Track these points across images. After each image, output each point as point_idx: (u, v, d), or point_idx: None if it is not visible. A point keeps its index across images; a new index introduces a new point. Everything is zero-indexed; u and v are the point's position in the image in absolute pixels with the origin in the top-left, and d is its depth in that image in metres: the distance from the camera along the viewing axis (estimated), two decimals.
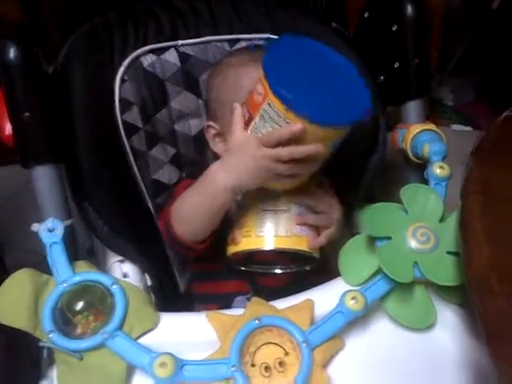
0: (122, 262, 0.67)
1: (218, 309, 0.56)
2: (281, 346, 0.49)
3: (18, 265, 1.00)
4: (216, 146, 0.71)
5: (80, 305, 0.52)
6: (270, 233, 0.59)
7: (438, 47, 1.73)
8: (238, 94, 0.65)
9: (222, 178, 0.57)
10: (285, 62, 0.53)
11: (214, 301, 0.64)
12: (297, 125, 0.50)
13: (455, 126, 1.78)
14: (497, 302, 0.31)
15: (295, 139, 0.52)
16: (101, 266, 0.73)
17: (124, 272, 0.66)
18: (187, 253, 0.65)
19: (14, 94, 0.59)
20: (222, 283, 0.67)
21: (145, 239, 0.70)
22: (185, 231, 0.61)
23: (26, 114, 0.59)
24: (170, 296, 0.69)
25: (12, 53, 0.58)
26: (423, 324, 0.51)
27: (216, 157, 0.69)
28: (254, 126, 0.55)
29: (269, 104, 0.52)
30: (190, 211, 0.61)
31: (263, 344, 0.49)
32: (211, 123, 0.71)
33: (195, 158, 0.81)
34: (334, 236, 0.62)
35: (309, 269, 0.62)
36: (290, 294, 0.55)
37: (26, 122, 0.59)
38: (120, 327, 0.51)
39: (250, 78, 0.64)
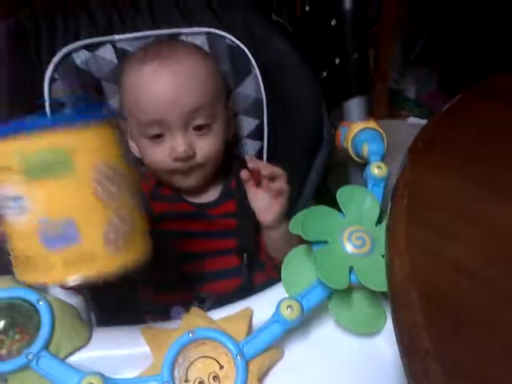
0: None
1: (165, 319, 0.54)
2: (216, 360, 0.47)
3: None
4: (132, 147, 0.70)
5: (2, 324, 0.49)
6: None
7: (401, 37, 1.74)
8: (136, 108, 0.63)
9: None
10: None
11: (160, 311, 0.63)
12: None
13: (412, 120, 1.79)
14: (414, 315, 0.30)
15: None
16: None
17: None
18: None
19: None
20: (166, 293, 0.65)
21: None
22: None
23: None
24: (114, 306, 0.67)
25: None
26: (367, 329, 0.50)
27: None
28: None
29: None
30: None
31: (198, 358, 0.47)
32: (122, 124, 0.69)
33: (137, 160, 0.78)
34: None
35: None
36: (233, 302, 0.54)
37: None
38: (46, 347, 0.48)
39: (145, 91, 0.62)
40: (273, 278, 0.65)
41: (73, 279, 0.37)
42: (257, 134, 0.80)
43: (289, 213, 0.72)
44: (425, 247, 0.36)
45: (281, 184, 0.63)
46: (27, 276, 0.38)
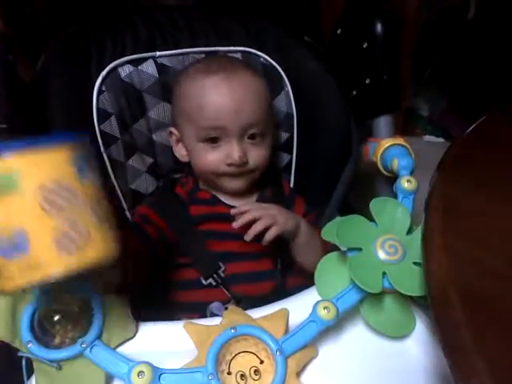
0: None
1: (199, 318, 0.57)
2: (256, 355, 0.50)
3: None
4: (178, 151, 0.75)
5: (58, 314, 0.53)
6: None
7: (413, 57, 1.78)
8: (198, 113, 0.68)
9: None
10: None
11: (194, 310, 0.66)
12: None
13: (428, 137, 1.83)
14: (455, 315, 0.34)
15: None
16: None
17: None
18: None
19: None
20: (201, 292, 0.68)
21: (123, 247, 0.71)
22: None
23: (3, 126, 0.59)
24: (148, 304, 0.70)
25: None
26: (398, 332, 0.53)
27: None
28: None
29: None
30: None
31: (239, 353, 0.51)
32: (172, 129, 0.75)
33: (172, 167, 0.83)
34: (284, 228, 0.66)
35: None
36: (267, 303, 0.57)
37: (1, 134, 0.59)
38: (99, 337, 0.52)
39: (209, 99, 0.67)
40: (301, 280, 0.69)
41: (26, 285, 0.41)
42: (286, 147, 0.84)
43: (317, 222, 0.77)
44: (460, 253, 0.40)
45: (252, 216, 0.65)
46: None
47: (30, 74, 0.70)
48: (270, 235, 0.65)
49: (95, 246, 0.43)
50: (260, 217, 0.65)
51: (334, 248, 0.59)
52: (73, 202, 0.42)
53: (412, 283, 0.50)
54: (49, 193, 0.40)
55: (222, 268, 0.69)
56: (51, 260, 0.40)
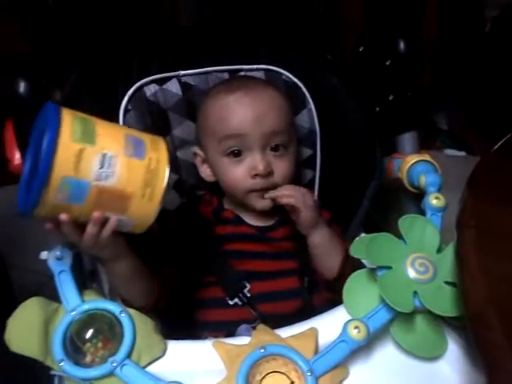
0: None
1: (224, 336, 0.57)
2: (286, 375, 0.50)
3: (23, 284, 1.00)
4: (203, 171, 0.75)
5: (89, 333, 0.53)
6: None
7: (431, 71, 1.78)
8: (221, 124, 0.68)
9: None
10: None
11: (220, 328, 0.66)
12: None
13: (449, 151, 1.81)
14: (495, 337, 0.33)
15: None
16: (103, 289, 0.75)
17: None
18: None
19: (24, 127, 0.61)
20: (227, 311, 0.68)
21: (149, 265, 0.72)
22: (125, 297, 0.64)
23: None
24: (174, 323, 0.70)
25: (22, 87, 0.60)
26: (430, 353, 0.53)
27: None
28: None
29: None
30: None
31: (269, 373, 0.50)
32: (197, 150, 0.75)
33: (195, 184, 0.84)
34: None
35: None
36: (294, 323, 0.57)
37: None
38: (128, 356, 0.52)
39: (232, 111, 0.68)
40: (327, 297, 0.68)
41: None
42: (309, 164, 0.84)
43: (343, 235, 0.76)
44: (496, 272, 0.39)
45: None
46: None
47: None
48: (286, 200, 0.67)
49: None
50: (292, 195, 0.67)
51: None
52: None
53: (444, 303, 0.50)
54: None
55: (248, 287, 0.69)
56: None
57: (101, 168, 0.50)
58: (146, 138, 0.56)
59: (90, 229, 0.53)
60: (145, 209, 0.54)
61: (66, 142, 0.49)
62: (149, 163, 0.53)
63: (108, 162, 0.51)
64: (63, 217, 0.51)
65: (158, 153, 0.55)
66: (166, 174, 0.54)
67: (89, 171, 0.50)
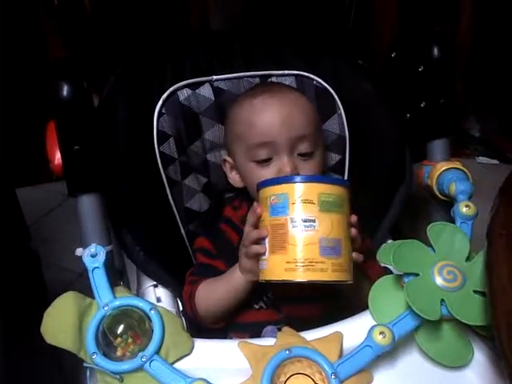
0: (155, 286, 0.70)
1: (249, 337, 0.58)
2: (310, 377, 0.51)
3: (54, 281, 1.04)
4: (232, 178, 0.76)
5: (120, 328, 0.55)
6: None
7: (464, 77, 1.75)
8: (248, 131, 0.69)
9: (238, 277, 0.65)
10: None
11: (245, 329, 0.66)
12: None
13: (481, 159, 1.77)
14: None
15: None
16: (131, 288, 0.77)
17: (157, 296, 0.69)
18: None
19: (66, 128, 0.64)
20: (252, 312, 0.69)
21: (178, 265, 0.74)
22: (207, 318, 0.68)
23: (76, 147, 0.63)
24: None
25: (65, 91, 0.62)
26: (456, 362, 0.52)
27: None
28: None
29: None
30: (215, 305, 0.68)
31: (293, 374, 0.51)
32: (227, 157, 0.76)
33: (224, 187, 0.85)
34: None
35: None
36: (319, 326, 0.57)
37: (75, 155, 0.63)
38: (157, 351, 0.54)
39: (258, 116, 0.69)
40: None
41: (334, 280, 0.55)
42: (338, 169, 0.84)
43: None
44: None
45: None
46: (306, 275, 0.55)
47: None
48: None
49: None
50: None
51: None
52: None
53: (472, 312, 0.49)
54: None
55: (271, 291, 0.69)
56: (346, 268, 0.56)
57: None
58: None
59: None
60: None
61: None
62: None
63: None
64: None
65: None
66: None
67: None
